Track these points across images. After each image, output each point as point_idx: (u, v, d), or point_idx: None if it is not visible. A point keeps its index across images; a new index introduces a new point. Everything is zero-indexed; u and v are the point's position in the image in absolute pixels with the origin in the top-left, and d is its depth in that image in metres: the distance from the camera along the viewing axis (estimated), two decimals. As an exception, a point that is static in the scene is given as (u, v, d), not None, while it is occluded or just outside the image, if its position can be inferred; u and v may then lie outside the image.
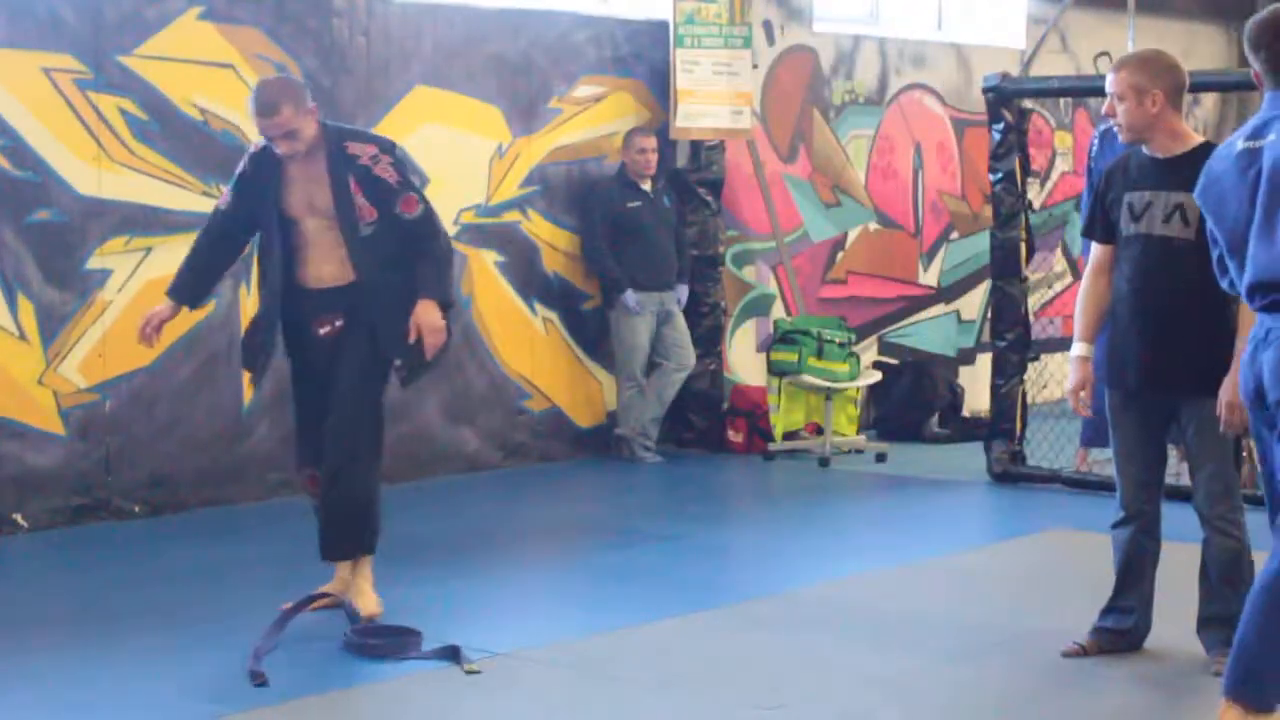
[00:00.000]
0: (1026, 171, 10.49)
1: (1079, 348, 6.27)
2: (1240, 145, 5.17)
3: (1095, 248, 6.31)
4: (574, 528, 9.32)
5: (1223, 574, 6.13)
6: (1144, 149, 6.13)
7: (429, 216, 6.88)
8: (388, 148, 6.95)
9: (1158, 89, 6.00)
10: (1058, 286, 13.66)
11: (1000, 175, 10.33)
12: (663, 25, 11.42)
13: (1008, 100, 10.31)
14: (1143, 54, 6.19)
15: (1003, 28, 14.15)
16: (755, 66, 11.86)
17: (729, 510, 10.13)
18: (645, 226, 11.07)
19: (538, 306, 10.97)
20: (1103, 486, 9.74)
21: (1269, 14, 5.24)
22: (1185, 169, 5.95)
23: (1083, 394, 6.25)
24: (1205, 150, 6.02)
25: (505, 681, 6.03)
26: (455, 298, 7.58)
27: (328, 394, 6.82)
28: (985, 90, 10.42)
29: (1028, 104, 10.63)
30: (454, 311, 7.05)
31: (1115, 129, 6.20)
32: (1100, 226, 6.26)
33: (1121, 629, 6.34)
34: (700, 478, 10.81)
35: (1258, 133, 5.14)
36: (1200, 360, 5.94)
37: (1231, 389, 5.80)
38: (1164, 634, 6.34)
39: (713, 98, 11.50)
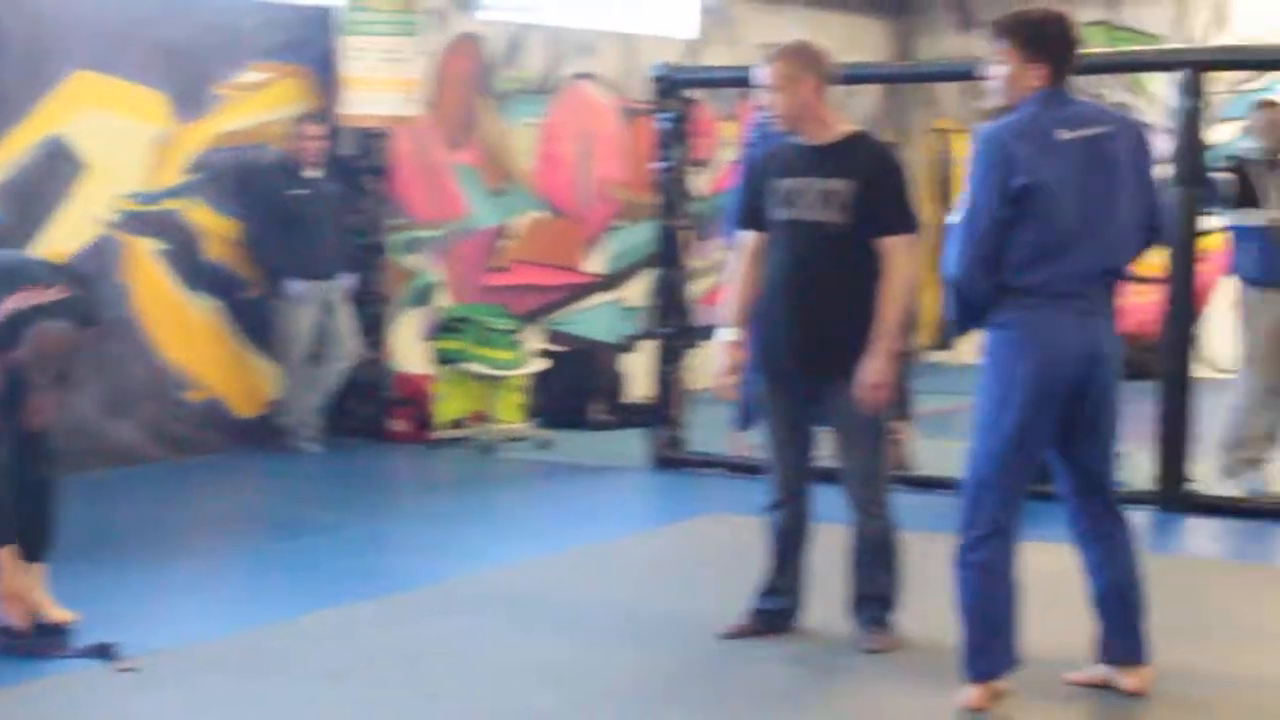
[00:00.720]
0: (691, 161, 10.64)
1: (728, 333, 6.37)
2: (1066, 135, 5.37)
3: (747, 235, 6.41)
4: (235, 520, 9.19)
5: (872, 554, 6.30)
6: (797, 137, 6.25)
7: None
8: None
9: (810, 77, 6.15)
10: (720, 274, 13.87)
11: (666, 164, 10.45)
12: (330, 11, 11.29)
13: (674, 90, 10.45)
14: (794, 44, 6.31)
15: (670, 18, 14.30)
16: (423, 54, 11.81)
17: (392, 500, 10.07)
18: (310, 215, 10.94)
19: (199, 295, 10.77)
20: (759, 470, 9.93)
21: (1054, 15, 5.49)
22: (836, 156, 6.13)
23: (731, 378, 6.36)
24: (855, 138, 6.19)
25: (162, 679, 5.90)
26: None
27: None
28: (652, 80, 10.54)
29: (694, 94, 10.77)
30: None
31: (771, 119, 6.33)
32: (751, 214, 6.36)
33: (776, 609, 6.47)
34: (363, 467, 10.74)
35: (1078, 123, 5.39)
36: (848, 344, 6.08)
37: (876, 371, 5.98)
38: (818, 613, 6.48)
39: (380, 85, 11.42)
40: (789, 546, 6.44)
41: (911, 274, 6.17)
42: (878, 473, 6.29)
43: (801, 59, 6.19)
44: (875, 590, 6.32)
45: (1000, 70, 5.51)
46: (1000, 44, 5.50)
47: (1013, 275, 5.38)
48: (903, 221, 6.13)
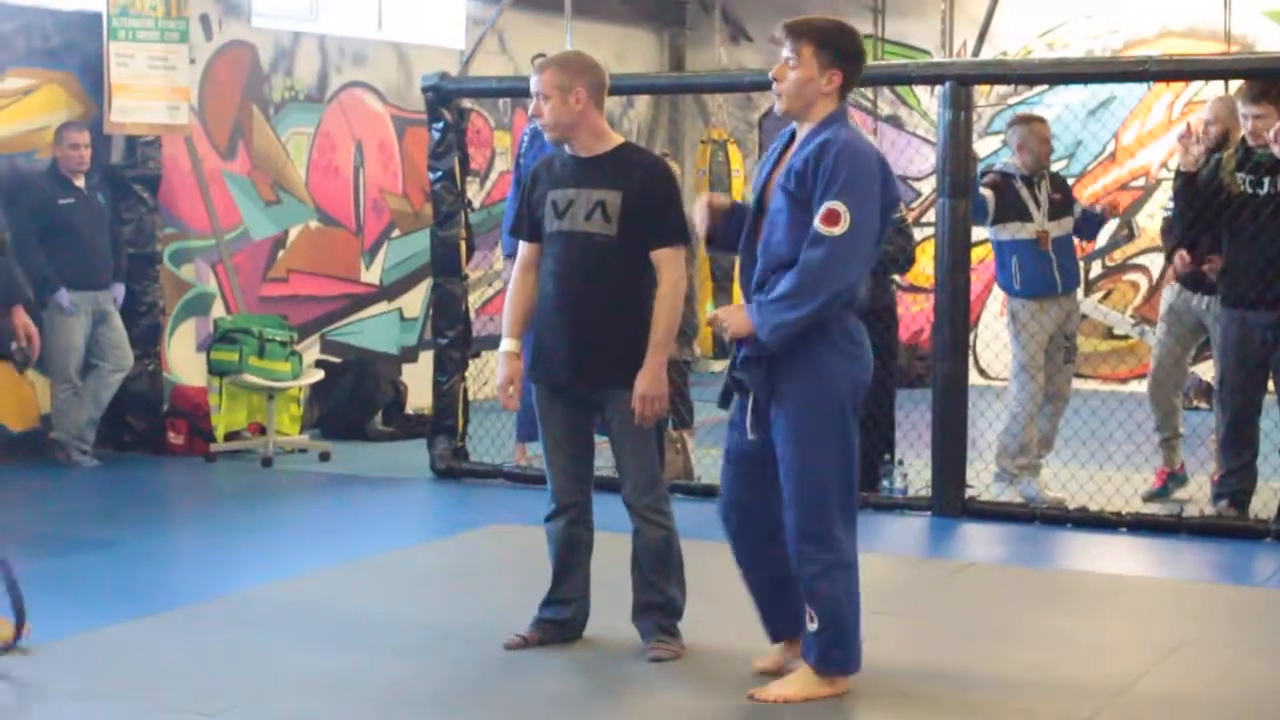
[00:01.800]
0: (466, 170, 10.66)
1: (507, 343, 6.36)
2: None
3: (523, 245, 6.42)
4: (6, 535, 8.90)
5: (653, 563, 6.31)
6: (567, 148, 6.29)
7: None
8: None
9: (580, 86, 6.18)
10: (498, 284, 13.88)
11: (440, 174, 10.45)
12: (95, 16, 11.09)
13: (447, 100, 10.45)
14: (564, 54, 6.37)
15: (442, 28, 14.28)
16: (192, 61, 11.67)
17: (171, 513, 9.93)
18: (78, 224, 10.74)
19: (-36, 306, 10.52)
20: (542, 480, 9.95)
21: (850, 27, 5.66)
22: (606, 167, 6.19)
23: (511, 389, 6.37)
24: (625, 150, 6.25)
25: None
26: None
27: None
28: (425, 89, 10.53)
29: (467, 103, 10.79)
30: None
31: (542, 129, 6.36)
32: (527, 225, 6.38)
33: (561, 619, 6.47)
34: (140, 481, 10.57)
35: None
36: (620, 354, 6.13)
37: (648, 381, 6.04)
38: (604, 622, 6.50)
39: (148, 92, 11.26)
40: (571, 555, 6.43)
41: (683, 284, 6.21)
42: (655, 480, 6.30)
43: (570, 69, 6.23)
44: (658, 599, 6.35)
45: (794, 75, 5.57)
46: (797, 47, 5.55)
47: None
48: (671, 233, 6.16)
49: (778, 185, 5.59)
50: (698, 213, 5.85)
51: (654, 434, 6.27)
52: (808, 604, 5.68)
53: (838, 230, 5.41)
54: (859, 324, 5.70)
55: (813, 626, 5.68)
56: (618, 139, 6.31)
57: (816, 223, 5.43)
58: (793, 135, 5.71)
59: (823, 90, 5.56)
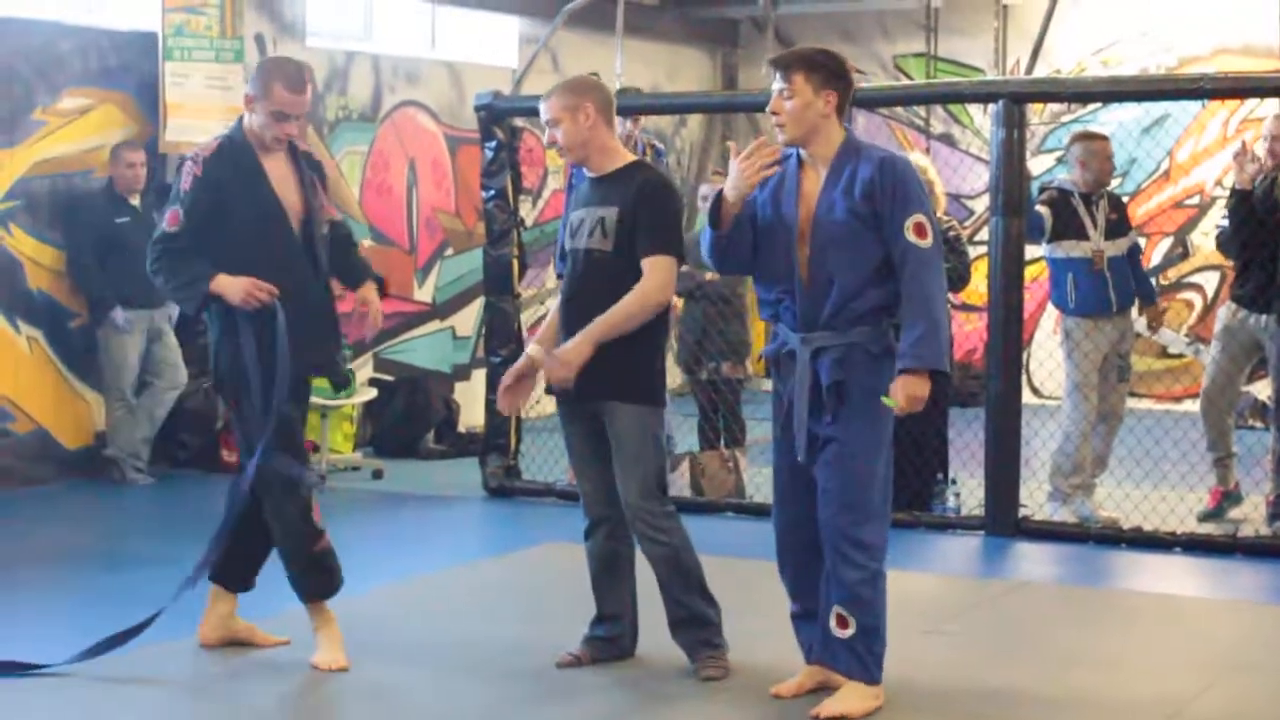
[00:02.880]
0: (519, 189, 10.68)
1: (531, 347, 6.48)
2: None
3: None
4: (61, 553, 9.01)
5: (667, 579, 6.29)
6: (585, 169, 6.35)
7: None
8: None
9: (588, 103, 6.22)
10: (550, 303, 13.90)
11: (493, 192, 10.47)
12: (151, 36, 11.18)
13: (500, 118, 10.47)
14: (570, 79, 6.46)
15: (495, 47, 14.34)
16: (247, 80, 11.70)
17: (224, 531, 9.96)
18: (134, 243, 10.71)
19: (21, 325, 10.60)
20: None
21: (832, 50, 5.78)
22: (610, 185, 6.24)
23: (509, 381, 6.45)
24: (630, 168, 6.27)
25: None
26: None
27: None
28: (478, 108, 10.56)
29: (520, 122, 10.80)
30: None
31: (560, 154, 6.35)
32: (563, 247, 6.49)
33: (611, 636, 6.48)
34: (194, 498, 10.60)
35: None
36: (618, 366, 6.15)
37: (569, 349, 6.10)
38: (657, 639, 6.49)
39: (204, 112, 11.32)
40: (610, 570, 6.45)
41: (658, 295, 6.15)
42: (655, 492, 6.26)
43: (577, 89, 6.28)
44: (683, 613, 6.32)
45: (791, 104, 5.69)
46: (789, 77, 5.69)
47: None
48: (658, 242, 6.15)
49: (841, 210, 5.63)
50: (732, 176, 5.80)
51: (651, 446, 6.25)
52: (844, 608, 5.71)
53: (928, 241, 5.59)
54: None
55: (847, 633, 5.71)
56: (628, 157, 6.36)
57: (909, 237, 5.57)
58: (799, 164, 5.78)
59: (821, 113, 5.70)
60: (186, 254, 6.42)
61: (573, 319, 6.25)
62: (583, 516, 6.46)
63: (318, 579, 6.59)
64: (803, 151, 5.77)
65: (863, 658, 5.73)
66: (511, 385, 6.43)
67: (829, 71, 5.72)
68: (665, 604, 6.34)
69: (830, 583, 5.76)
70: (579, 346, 6.10)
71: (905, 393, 5.57)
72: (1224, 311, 9.67)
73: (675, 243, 6.21)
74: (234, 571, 6.77)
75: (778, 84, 5.72)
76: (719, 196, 5.75)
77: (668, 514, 6.28)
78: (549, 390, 6.37)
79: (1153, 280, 13.17)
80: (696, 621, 6.32)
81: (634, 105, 10.62)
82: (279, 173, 6.52)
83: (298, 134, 6.57)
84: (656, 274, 6.13)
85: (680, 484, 10.21)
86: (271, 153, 6.51)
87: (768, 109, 5.75)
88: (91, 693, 6.16)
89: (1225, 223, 9.56)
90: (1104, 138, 9.79)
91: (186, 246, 6.42)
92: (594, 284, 6.20)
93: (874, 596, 5.71)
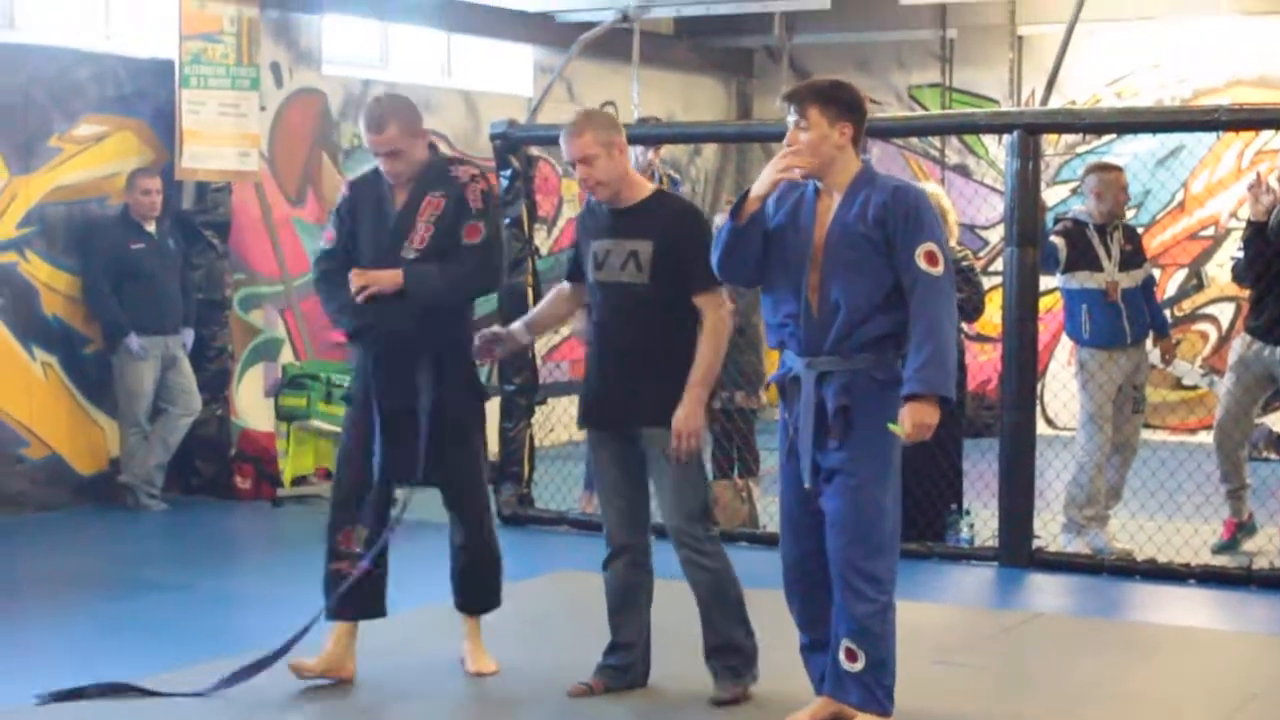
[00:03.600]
0: (534, 217, 10.69)
1: (515, 326, 6.69)
2: None
3: (566, 283, 6.65)
4: (75, 578, 9.03)
5: (706, 604, 6.32)
6: (610, 203, 6.36)
7: (485, 247, 6.53)
8: (484, 172, 6.78)
9: (619, 138, 6.29)
10: (564, 332, 13.91)
11: (508, 221, 10.47)
12: (168, 64, 11.21)
13: (515, 147, 10.49)
14: (591, 114, 6.47)
15: (510, 76, 14.38)
16: (263, 108, 11.77)
17: (238, 557, 9.98)
18: (149, 269, 10.84)
19: (36, 351, 10.63)
20: (608, 527, 9.97)
21: (845, 81, 5.79)
22: (639, 217, 6.26)
23: (482, 344, 6.60)
24: (656, 198, 6.30)
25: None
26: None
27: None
28: (493, 137, 10.58)
29: (535, 151, 10.82)
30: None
31: (593, 190, 6.33)
32: (575, 268, 6.55)
33: (624, 665, 6.48)
34: (207, 525, 10.62)
35: None
36: (657, 393, 6.17)
37: (684, 417, 6.09)
38: (668, 670, 6.50)
39: (219, 139, 11.36)
40: (629, 599, 6.44)
41: (724, 325, 6.22)
42: (695, 515, 6.28)
43: (609, 127, 6.32)
44: (716, 640, 6.33)
45: (807, 136, 5.69)
46: (803, 110, 5.70)
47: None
48: (706, 276, 6.15)
49: (854, 235, 5.64)
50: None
51: (696, 471, 6.28)
52: (853, 641, 5.68)
53: (939, 270, 5.59)
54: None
55: (857, 666, 5.70)
56: (650, 187, 6.39)
57: (920, 264, 5.57)
58: (816, 191, 5.79)
59: (837, 144, 5.71)
60: (337, 275, 6.65)
61: (608, 351, 6.31)
62: (605, 544, 6.46)
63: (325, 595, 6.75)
64: (819, 182, 5.77)
65: (873, 690, 5.71)
66: (489, 341, 6.58)
67: (843, 103, 5.73)
68: (703, 629, 6.35)
69: (839, 615, 5.74)
70: (694, 410, 6.12)
71: (912, 420, 5.55)
72: (1238, 343, 9.66)
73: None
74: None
75: (792, 116, 5.73)
76: (745, 194, 5.77)
77: (712, 538, 6.31)
78: (582, 421, 6.42)
79: (1167, 312, 13.19)
80: (730, 649, 6.33)
81: (650, 135, 10.66)
82: (402, 202, 6.60)
83: (404, 170, 6.57)
84: (716, 309, 6.18)
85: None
86: (403, 185, 6.60)
87: (784, 141, 5.76)
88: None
89: (1240, 254, 9.56)
90: (1119, 169, 9.79)
91: (337, 266, 6.66)
92: (629, 316, 6.24)
93: (883, 629, 5.70)
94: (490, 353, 6.67)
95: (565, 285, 6.65)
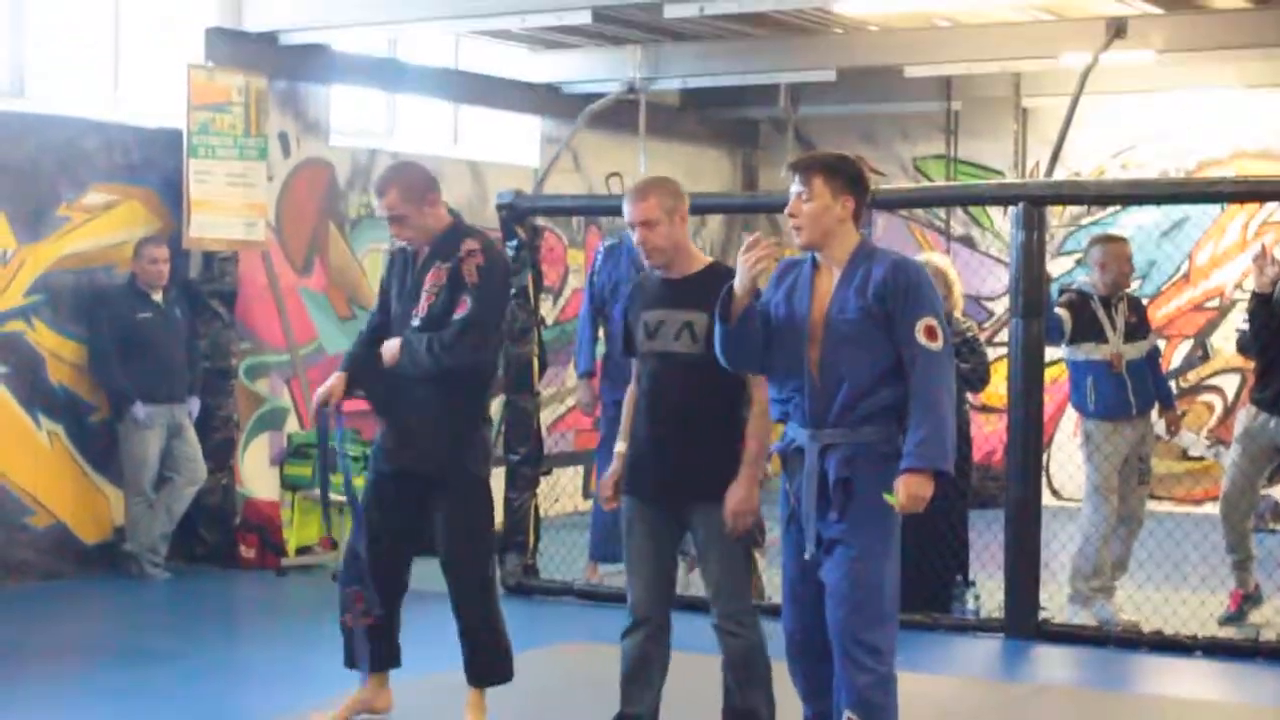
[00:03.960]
0: (539, 287, 10.70)
1: (619, 445, 6.54)
2: None
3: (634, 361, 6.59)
4: (77, 648, 9.01)
5: (735, 670, 6.33)
6: (660, 270, 6.37)
7: (466, 323, 6.65)
8: (487, 246, 6.82)
9: (683, 205, 6.35)
10: (569, 402, 13.92)
11: (513, 291, 10.48)
12: (176, 133, 11.25)
13: (521, 217, 10.51)
14: (656, 179, 6.50)
15: (516, 146, 14.44)
16: (270, 178, 11.82)
17: (241, 627, 9.96)
18: (155, 338, 10.85)
19: (42, 419, 10.63)
20: (613, 598, 9.95)
21: (847, 155, 5.83)
22: (694, 288, 6.25)
23: (609, 492, 6.51)
24: (713, 270, 6.30)
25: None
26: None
27: None
28: (499, 207, 10.61)
29: (541, 221, 10.85)
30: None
31: (649, 253, 6.35)
32: (628, 342, 6.54)
33: None
34: (211, 594, 10.60)
35: None
36: (709, 469, 6.19)
37: (740, 495, 6.07)
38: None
39: (227, 209, 11.39)
40: (643, 671, 6.42)
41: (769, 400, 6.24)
42: (740, 591, 6.32)
43: (674, 193, 6.37)
44: (743, 706, 6.34)
45: (809, 207, 5.70)
46: (808, 180, 5.72)
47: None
48: None
49: (853, 309, 5.65)
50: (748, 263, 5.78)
51: (741, 548, 6.30)
52: (855, 713, 5.65)
53: (938, 344, 5.60)
54: None
55: None
56: (705, 260, 6.41)
57: (920, 339, 5.58)
58: (814, 266, 5.79)
59: (838, 217, 5.73)
60: (361, 340, 7.14)
61: (658, 418, 6.31)
62: (628, 614, 6.44)
63: None
64: (818, 255, 5.78)
65: None
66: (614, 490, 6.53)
67: (847, 177, 5.76)
68: (725, 697, 6.37)
69: (840, 686, 5.72)
70: (750, 490, 6.17)
71: (907, 491, 5.55)
72: (1243, 415, 9.67)
73: None
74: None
75: (796, 187, 5.75)
76: (728, 291, 5.77)
77: (751, 611, 6.35)
78: (627, 488, 6.44)
79: (1172, 383, 13.20)
80: (748, 716, 6.31)
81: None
82: (419, 271, 6.80)
83: (412, 236, 6.79)
84: (763, 384, 6.16)
85: (701, 584, 10.17)
86: (422, 253, 6.82)
87: (785, 211, 5.78)
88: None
89: (1245, 326, 9.57)
90: (1123, 240, 9.81)
91: (366, 331, 7.14)
92: (681, 385, 6.25)
93: (885, 700, 5.67)
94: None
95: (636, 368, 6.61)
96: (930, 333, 5.59)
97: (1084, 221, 14.95)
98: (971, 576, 9.72)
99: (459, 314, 6.63)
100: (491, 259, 6.79)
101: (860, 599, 5.63)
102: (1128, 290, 9.74)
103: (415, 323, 6.69)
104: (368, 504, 7.01)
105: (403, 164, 7.02)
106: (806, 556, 5.75)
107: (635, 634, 6.42)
